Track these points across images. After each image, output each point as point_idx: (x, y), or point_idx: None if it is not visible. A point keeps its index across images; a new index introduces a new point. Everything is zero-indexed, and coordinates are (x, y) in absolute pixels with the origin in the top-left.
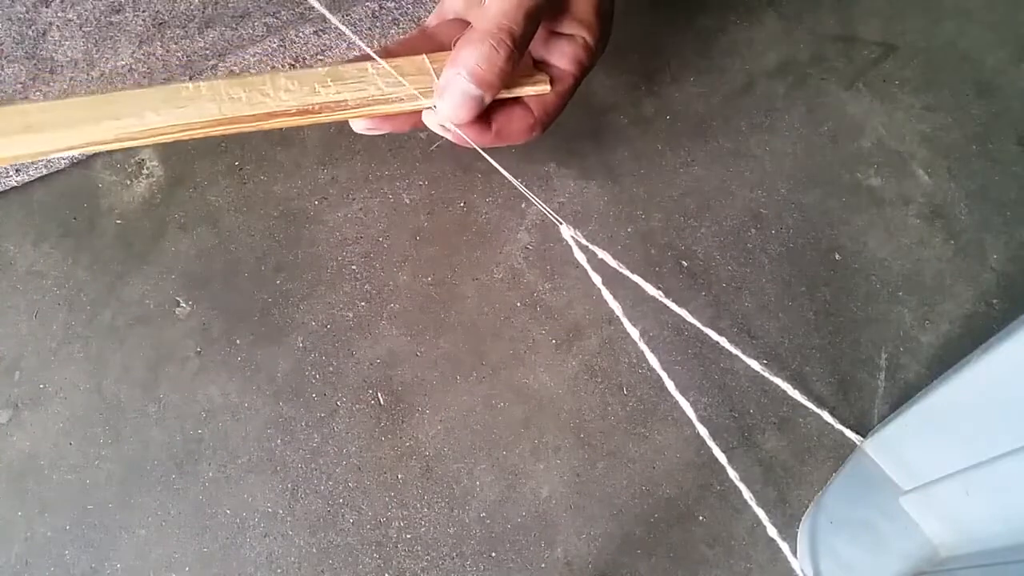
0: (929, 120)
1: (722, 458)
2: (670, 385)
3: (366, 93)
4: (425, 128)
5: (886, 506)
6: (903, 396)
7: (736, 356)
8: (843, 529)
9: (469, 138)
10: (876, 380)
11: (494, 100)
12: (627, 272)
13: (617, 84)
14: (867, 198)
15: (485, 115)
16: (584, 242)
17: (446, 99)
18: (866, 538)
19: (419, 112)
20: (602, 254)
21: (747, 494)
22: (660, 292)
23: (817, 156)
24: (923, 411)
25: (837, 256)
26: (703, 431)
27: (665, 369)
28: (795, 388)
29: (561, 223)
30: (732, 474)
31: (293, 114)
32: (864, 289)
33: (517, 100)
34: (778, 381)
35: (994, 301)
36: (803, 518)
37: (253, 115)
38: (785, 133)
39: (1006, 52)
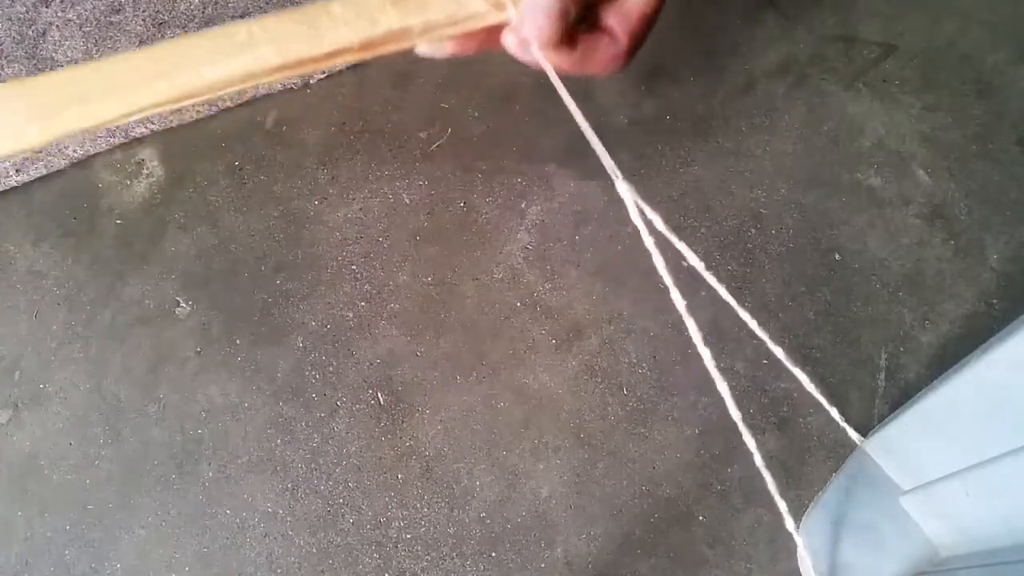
0: (929, 120)
1: (751, 443)
2: (706, 355)
3: (430, 16)
4: (426, 127)
5: (886, 506)
6: (903, 396)
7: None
8: (843, 529)
9: (552, 63)
10: (876, 380)
11: (576, 30)
12: (674, 238)
13: (617, 84)
14: (867, 198)
15: (570, 41)
16: (641, 203)
17: (528, 18)
18: (866, 538)
19: (487, 31)
20: (652, 215)
21: (769, 481)
22: (700, 263)
23: (817, 156)
24: (923, 411)
25: (837, 256)
26: (735, 413)
27: (665, 369)
28: (802, 387)
29: (618, 176)
30: (759, 461)
31: (356, 50)
32: (864, 289)
33: (602, 28)
34: (797, 372)
35: (994, 301)
36: (803, 518)
37: (312, 56)
38: (785, 133)
39: (1006, 52)
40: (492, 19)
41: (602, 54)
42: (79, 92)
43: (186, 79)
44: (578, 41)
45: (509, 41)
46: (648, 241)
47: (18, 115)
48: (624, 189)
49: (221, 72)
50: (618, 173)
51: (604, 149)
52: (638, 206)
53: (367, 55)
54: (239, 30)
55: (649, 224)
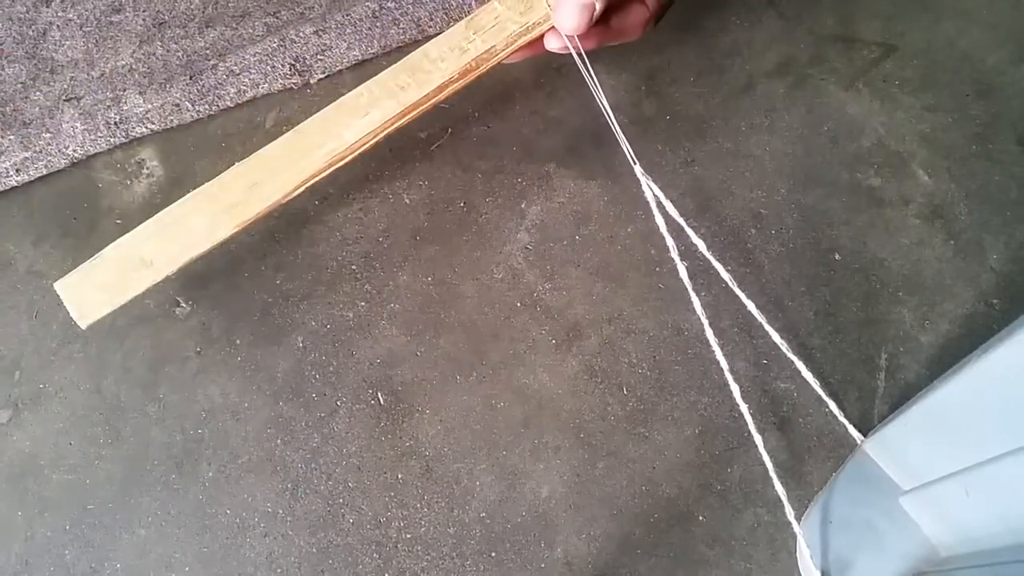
0: (929, 120)
1: (751, 423)
2: (712, 339)
3: (507, 33)
4: (426, 127)
5: (886, 506)
6: (903, 396)
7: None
8: (843, 529)
9: (592, 38)
10: (876, 380)
11: (609, 10)
12: (687, 227)
13: (617, 84)
14: (867, 198)
15: (604, 17)
16: (657, 191)
17: (562, 16)
18: (866, 538)
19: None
20: (669, 205)
21: (770, 466)
22: (706, 248)
23: (817, 156)
24: (923, 411)
25: (837, 256)
26: (743, 406)
27: (665, 369)
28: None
29: (636, 163)
30: (758, 441)
31: (457, 79)
32: (864, 289)
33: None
34: (795, 359)
35: (994, 301)
36: (803, 518)
37: (426, 95)
38: (785, 133)
39: (1006, 52)
40: (549, 24)
41: (632, 21)
42: (253, 180)
43: (335, 144)
44: (611, 17)
45: (552, 44)
46: (663, 227)
47: (212, 215)
48: (643, 176)
49: (358, 131)
50: (635, 160)
51: (622, 141)
52: (654, 193)
53: (468, 79)
54: (360, 93)
55: (663, 211)
